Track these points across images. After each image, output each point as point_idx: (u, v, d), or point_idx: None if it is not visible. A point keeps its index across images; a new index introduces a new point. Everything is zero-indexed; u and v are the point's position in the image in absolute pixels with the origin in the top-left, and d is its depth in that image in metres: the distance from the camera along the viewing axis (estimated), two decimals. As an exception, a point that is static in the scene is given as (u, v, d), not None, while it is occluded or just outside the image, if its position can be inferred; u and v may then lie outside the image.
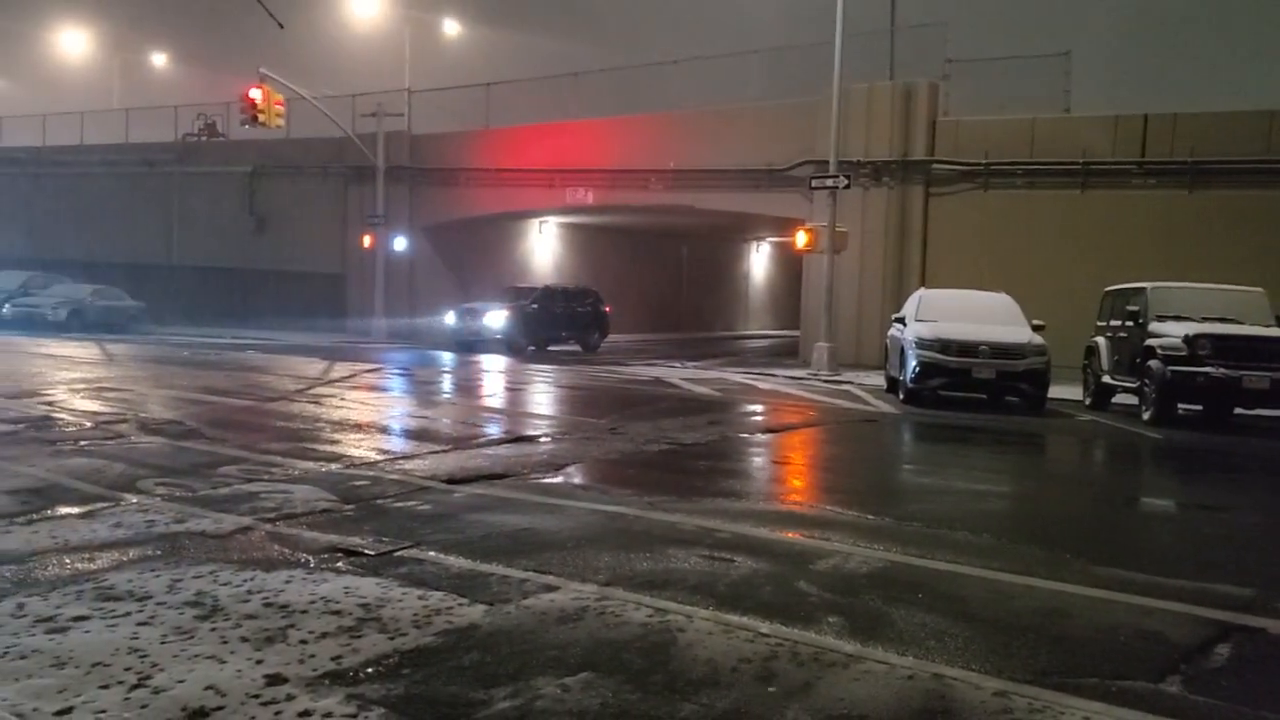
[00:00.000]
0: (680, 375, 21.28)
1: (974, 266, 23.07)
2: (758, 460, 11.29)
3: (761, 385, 19.72)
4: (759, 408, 16.05)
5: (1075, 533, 7.76)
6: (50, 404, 12.90)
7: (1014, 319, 17.26)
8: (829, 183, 22.66)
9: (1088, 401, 17.72)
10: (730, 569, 6.02)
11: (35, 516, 6.80)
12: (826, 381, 20.77)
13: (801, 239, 23.48)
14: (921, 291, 19.18)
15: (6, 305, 30.27)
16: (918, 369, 16.21)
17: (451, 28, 40.66)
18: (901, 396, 17.06)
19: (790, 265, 39.92)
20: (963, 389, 16.54)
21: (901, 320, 17.98)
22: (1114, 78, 29.46)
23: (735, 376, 21.37)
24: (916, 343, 16.38)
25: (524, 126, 32.08)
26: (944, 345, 16.12)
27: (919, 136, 25.42)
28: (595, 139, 30.49)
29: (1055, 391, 16.93)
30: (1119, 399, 16.96)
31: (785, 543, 6.79)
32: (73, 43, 51.07)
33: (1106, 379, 17.05)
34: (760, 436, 12.83)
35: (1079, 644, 4.88)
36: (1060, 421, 15.73)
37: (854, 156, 24.79)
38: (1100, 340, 17.46)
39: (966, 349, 16.07)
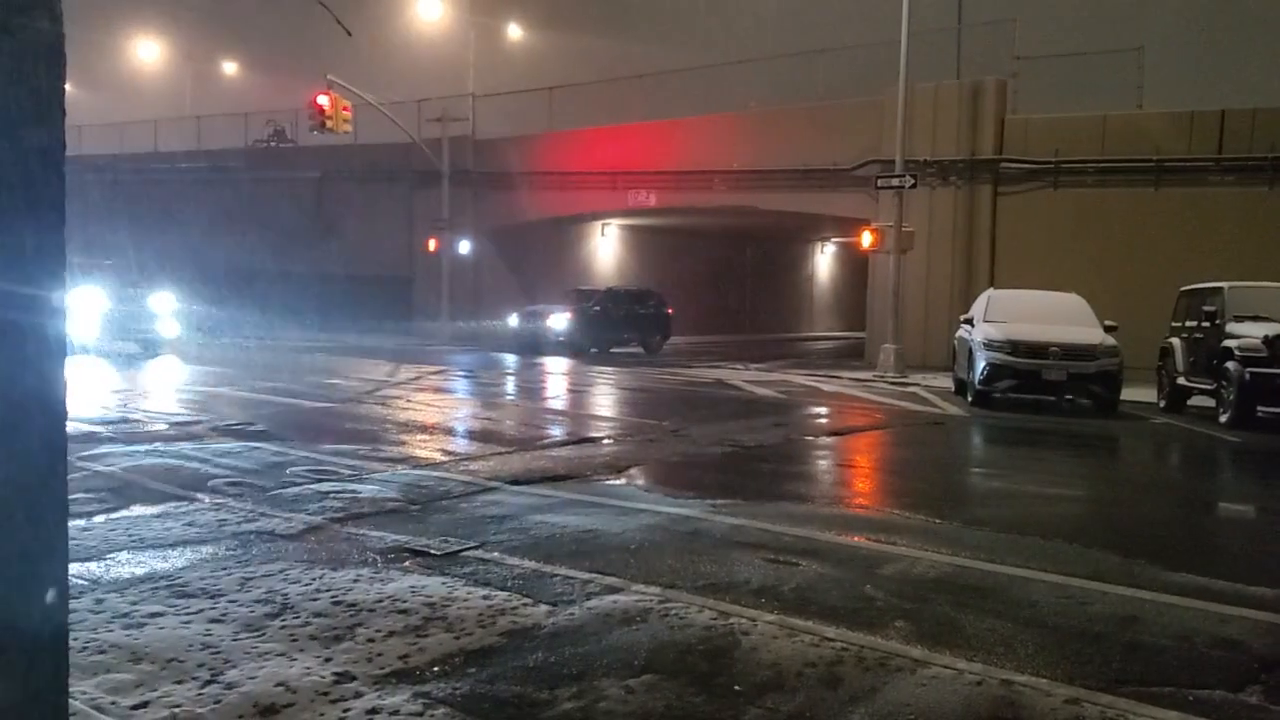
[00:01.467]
0: (743, 377, 21.19)
1: (1044, 266, 22.66)
2: (822, 463, 11.20)
3: (826, 387, 19.56)
4: (823, 410, 15.92)
5: (1149, 537, 7.57)
6: (127, 405, 13.24)
7: (1085, 319, 16.91)
8: (895, 182, 22.42)
9: (1162, 404, 17.31)
10: (795, 572, 5.97)
11: (113, 515, 6.98)
12: (893, 383, 20.53)
13: (867, 239, 23.27)
14: (990, 292, 18.89)
15: None
16: (986, 370, 15.96)
17: (514, 32, 41.00)
18: (970, 399, 16.80)
19: (856, 266, 39.53)
20: (1033, 391, 16.25)
21: (969, 321, 17.72)
22: (1188, 72, 28.74)
23: (799, 378, 21.23)
24: (985, 344, 16.12)
25: (586, 129, 32.23)
26: (1013, 346, 15.85)
27: (987, 135, 25.04)
28: (658, 140, 30.52)
29: (1128, 394, 16.55)
30: (1195, 401, 16.53)
31: (851, 546, 6.72)
32: (147, 52, 52.47)
33: (1182, 381, 16.63)
34: (825, 439, 12.72)
35: (1153, 651, 4.75)
36: (1133, 424, 15.37)
37: (920, 155, 24.50)
38: (1175, 341, 17.03)
39: (1036, 350, 15.78)
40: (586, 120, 32.30)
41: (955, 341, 18.87)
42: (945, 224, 25.15)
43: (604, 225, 37.86)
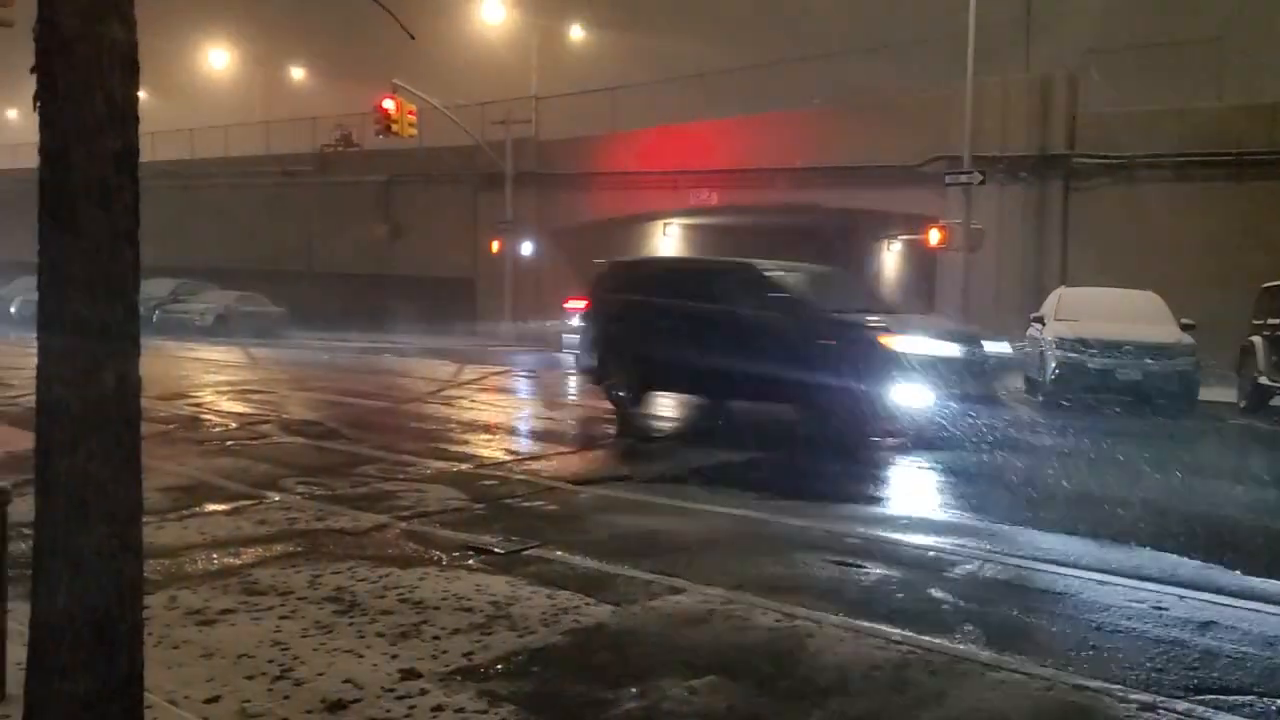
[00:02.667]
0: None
1: (1118, 264, 22.11)
2: (888, 464, 11.07)
3: (891, 387, 19.32)
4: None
5: (1228, 542, 7.34)
6: (198, 405, 13.54)
7: (1161, 318, 16.49)
8: (963, 179, 22.06)
9: (1242, 404, 16.80)
10: (860, 574, 5.91)
11: (185, 513, 7.14)
12: (959, 383, 20.22)
13: (934, 237, 22.91)
14: (1061, 290, 18.48)
15: (157, 312, 31.84)
16: (1057, 370, 15.63)
17: (576, 33, 41.18)
18: (1040, 398, 16.47)
19: (923, 264, 39.01)
20: (1106, 391, 15.88)
21: (1040, 320, 17.36)
22: (1270, 63, 27.89)
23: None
24: (1056, 343, 15.79)
25: (648, 129, 32.24)
26: (1085, 345, 15.50)
27: (1058, 129, 24.52)
28: (719, 139, 30.41)
29: (1207, 394, 16.10)
30: (1277, 401, 16.03)
31: (917, 548, 6.63)
32: (217, 59, 53.65)
33: (1263, 380, 16.12)
34: (890, 440, 12.57)
35: (1233, 659, 4.61)
36: (1212, 425, 14.94)
37: (989, 151, 24.08)
38: (1257, 340, 16.51)
39: (1109, 349, 15.42)
40: (648, 120, 32.29)
41: (1025, 341, 18.52)
42: (1015, 221, 24.67)
43: (665, 225, 37.83)
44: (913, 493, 9.45)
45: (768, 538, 6.76)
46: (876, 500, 8.40)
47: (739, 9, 45.00)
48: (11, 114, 58.97)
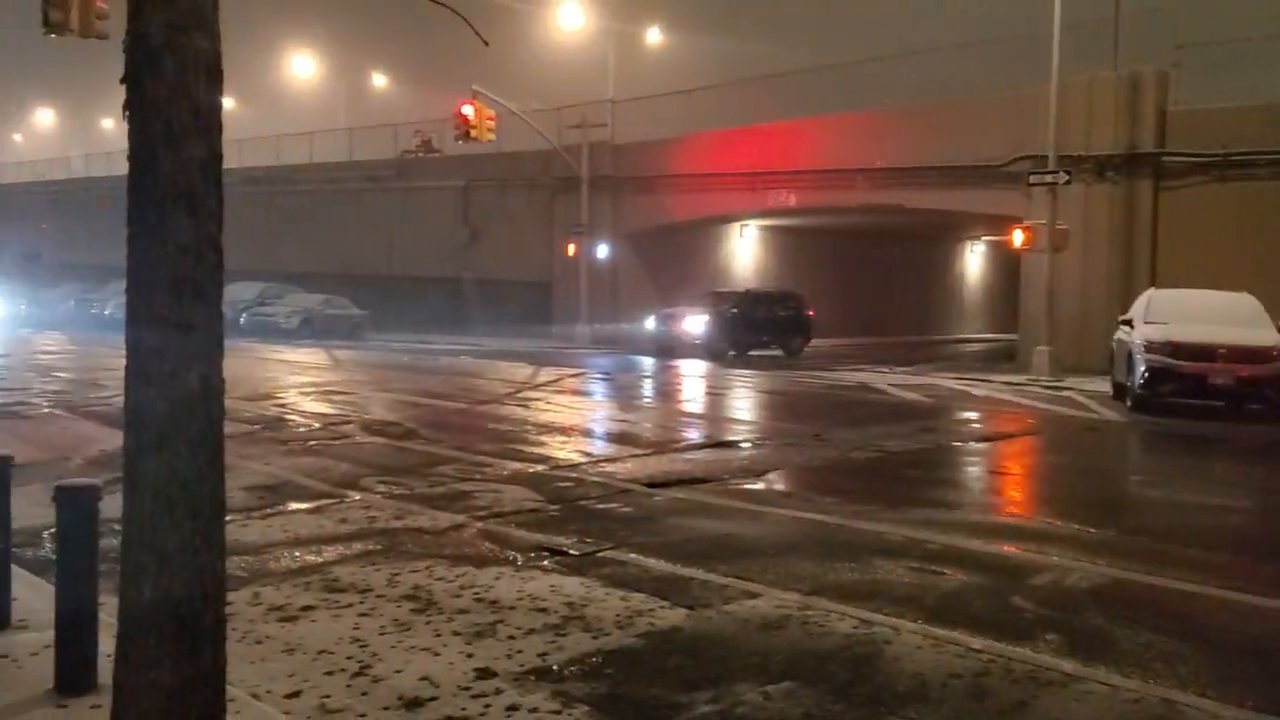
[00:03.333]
0: (888, 380, 20.76)
1: (1210, 265, 21.40)
2: (971, 469, 10.87)
3: (975, 391, 18.97)
4: (972, 414, 15.45)
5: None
6: (283, 406, 13.85)
7: (1257, 321, 15.90)
8: (1048, 178, 21.58)
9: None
10: (940, 581, 5.80)
11: (269, 511, 7.30)
12: (1046, 387, 19.77)
13: (1019, 238, 22.45)
14: (1151, 292, 17.95)
15: (244, 315, 32.69)
16: (1146, 374, 15.18)
17: (653, 36, 41.23)
18: (1129, 404, 16.01)
19: (1007, 265, 38.24)
20: (1197, 396, 15.36)
21: (1129, 322, 16.87)
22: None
23: (947, 382, 20.66)
24: (1145, 346, 15.33)
25: (725, 131, 32.14)
26: (1176, 349, 15.02)
27: (1147, 127, 23.84)
28: (796, 140, 30.20)
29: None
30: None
31: (999, 556, 6.49)
32: (302, 67, 54.85)
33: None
34: (974, 445, 12.34)
35: (1335, 676, 4.43)
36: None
37: (1074, 150, 23.51)
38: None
39: (1201, 353, 14.91)
40: (724, 121, 32.18)
41: (1113, 344, 18.00)
42: (1102, 221, 24.05)
43: (742, 227, 37.68)
44: (994, 497, 9.26)
45: (844, 543, 6.68)
46: (957, 505, 8.24)
47: (816, 9, 44.65)
48: (107, 123, 61.16)
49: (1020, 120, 24.67)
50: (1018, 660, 4.48)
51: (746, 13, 46.10)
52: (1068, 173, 21.86)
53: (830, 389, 18.98)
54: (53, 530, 4.24)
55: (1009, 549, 6.66)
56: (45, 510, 4.40)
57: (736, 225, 37.54)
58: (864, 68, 30.64)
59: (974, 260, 49.83)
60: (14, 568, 4.60)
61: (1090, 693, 4.13)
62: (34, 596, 4.60)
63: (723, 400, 17.44)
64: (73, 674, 3.74)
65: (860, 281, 41.53)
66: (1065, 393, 18.63)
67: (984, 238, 45.64)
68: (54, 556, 4.11)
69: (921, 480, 9.40)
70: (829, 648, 4.64)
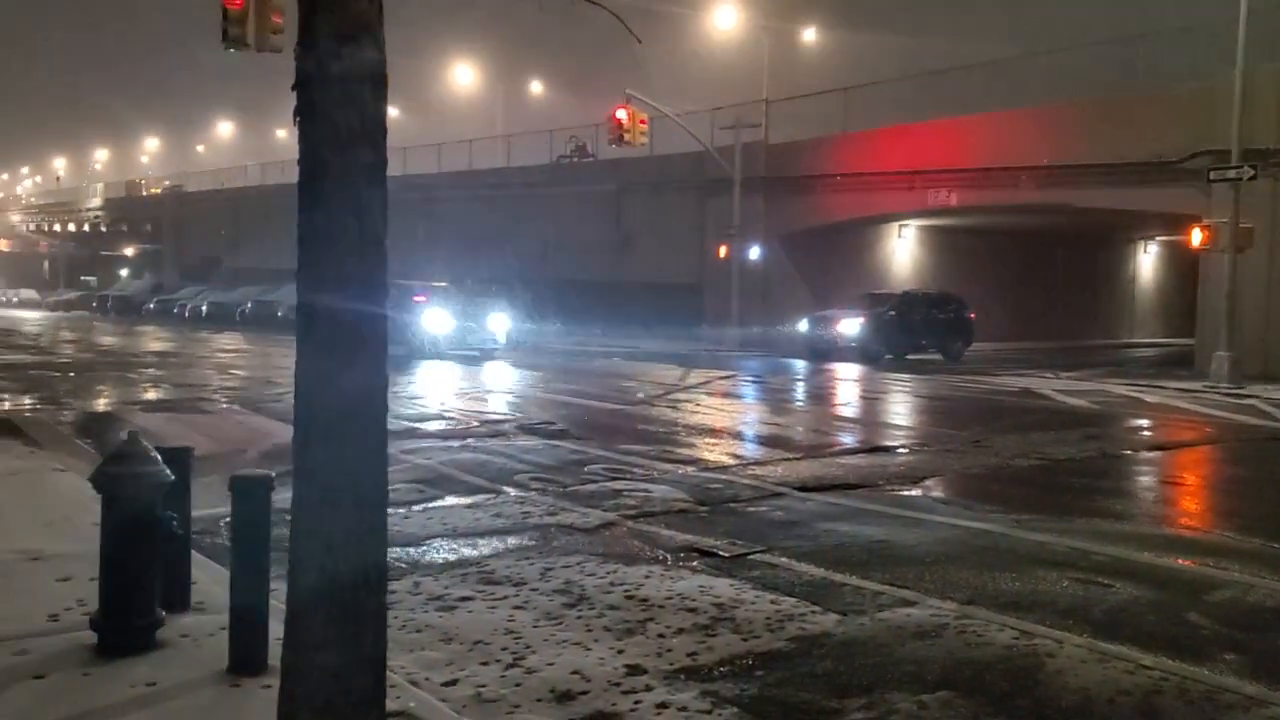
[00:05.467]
0: (1053, 386, 19.94)
1: None
2: (1142, 479, 10.33)
3: (1148, 398, 18.03)
4: (1144, 422, 14.69)
5: None
6: (441, 404, 14.31)
7: None
8: (1231, 174, 20.33)
9: None
10: (1107, 594, 5.53)
11: (429, 504, 7.55)
12: (1226, 395, 18.62)
13: (1197, 237, 21.24)
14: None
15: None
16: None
17: (808, 35, 40.79)
18: (1318, 412, 14.95)
19: (1184, 267, 36.26)
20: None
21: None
22: None
23: (1117, 388, 19.71)
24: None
25: (882, 129, 31.49)
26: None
27: (1342, 118, 22.22)
28: (958, 137, 29.35)
29: None
30: None
31: (1173, 569, 6.15)
32: (462, 76, 56.56)
33: None
34: (1145, 454, 11.72)
35: None
36: None
37: (1261, 144, 22.09)
38: None
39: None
40: (882, 119, 31.53)
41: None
42: (1289, 218, 22.53)
43: (901, 227, 36.85)
44: (1166, 509, 8.78)
45: (1005, 552, 6.45)
46: (1126, 516, 7.85)
47: (976, 3, 43.30)
48: (280, 133, 64.49)
49: (1198, 114, 23.34)
50: (1194, 680, 4.23)
51: (905, 8, 45.12)
52: (1253, 167, 20.56)
53: (991, 394, 18.36)
54: (228, 519, 4.48)
55: (1183, 563, 6.30)
56: (222, 500, 4.65)
57: (895, 225, 36.77)
58: (1028, 61, 29.56)
59: (1147, 261, 47.39)
60: (193, 554, 4.89)
61: (1276, 718, 3.86)
62: (211, 581, 4.88)
63: (878, 404, 17.10)
64: (245, 655, 3.94)
65: (1025, 283, 40.09)
66: (1248, 400, 17.51)
67: (1158, 238, 43.40)
68: (229, 544, 4.35)
69: (1088, 489, 8.99)
70: (988, 658, 4.48)
